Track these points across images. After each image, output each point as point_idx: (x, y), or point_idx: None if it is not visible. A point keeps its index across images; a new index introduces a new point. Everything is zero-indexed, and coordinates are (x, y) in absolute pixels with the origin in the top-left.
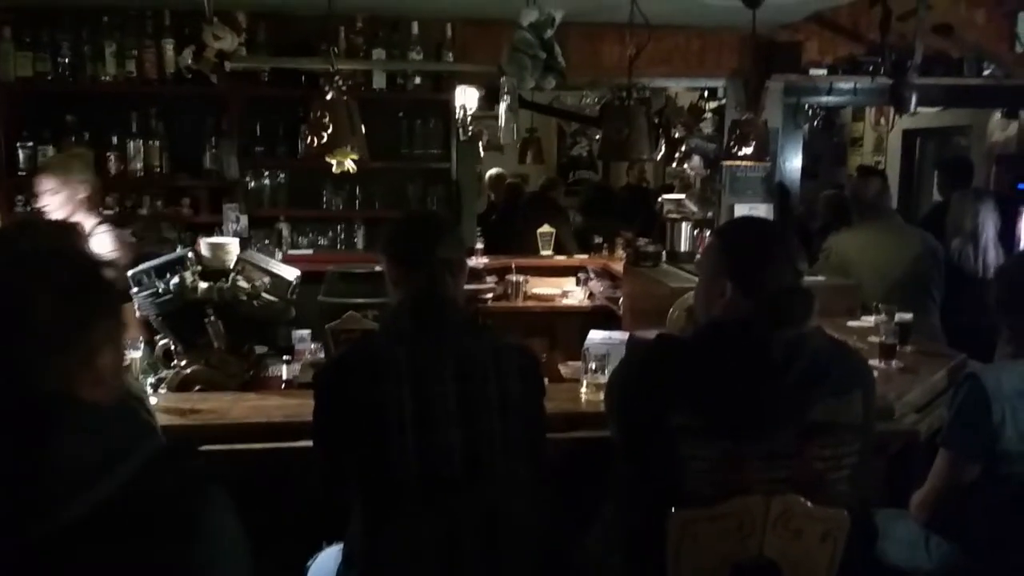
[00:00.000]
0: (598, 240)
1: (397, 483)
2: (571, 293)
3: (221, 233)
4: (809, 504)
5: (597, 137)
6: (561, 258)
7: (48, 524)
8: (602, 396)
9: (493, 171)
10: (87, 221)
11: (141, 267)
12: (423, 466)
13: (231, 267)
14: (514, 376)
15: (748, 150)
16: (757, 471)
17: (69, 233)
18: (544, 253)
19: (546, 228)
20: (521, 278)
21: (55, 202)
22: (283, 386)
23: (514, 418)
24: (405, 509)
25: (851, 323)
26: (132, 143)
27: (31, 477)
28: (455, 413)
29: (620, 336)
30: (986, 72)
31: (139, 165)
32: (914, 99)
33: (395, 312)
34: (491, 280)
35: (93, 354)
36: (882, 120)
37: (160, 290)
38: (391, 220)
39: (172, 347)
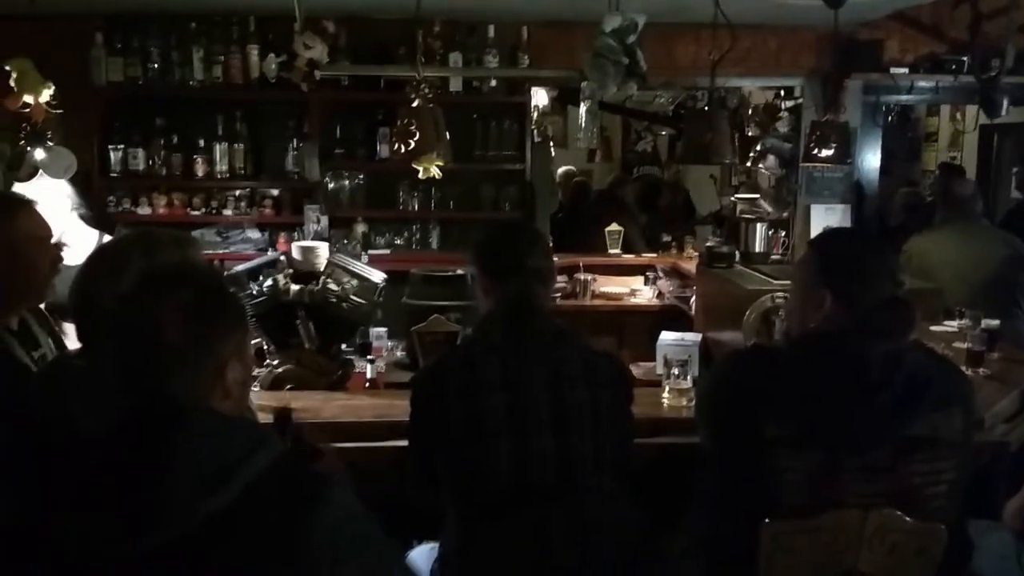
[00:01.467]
0: (667, 238)
1: (491, 489)
2: (639, 292)
3: (302, 233)
4: (906, 519)
5: (663, 132)
6: (629, 257)
7: (170, 530)
8: (684, 402)
9: (564, 168)
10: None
11: (236, 269)
12: (516, 474)
13: (321, 270)
14: (605, 386)
15: (829, 152)
16: (853, 485)
17: (186, 244)
18: (612, 251)
19: (614, 227)
20: (589, 277)
21: None
22: (367, 384)
23: (605, 427)
24: (499, 514)
25: (934, 328)
26: (218, 146)
27: (155, 485)
28: (548, 422)
29: (693, 338)
30: None
31: (224, 167)
32: (1006, 103)
33: (487, 322)
34: (560, 279)
35: (222, 368)
36: (958, 115)
37: (254, 292)
38: (478, 229)
39: (264, 347)
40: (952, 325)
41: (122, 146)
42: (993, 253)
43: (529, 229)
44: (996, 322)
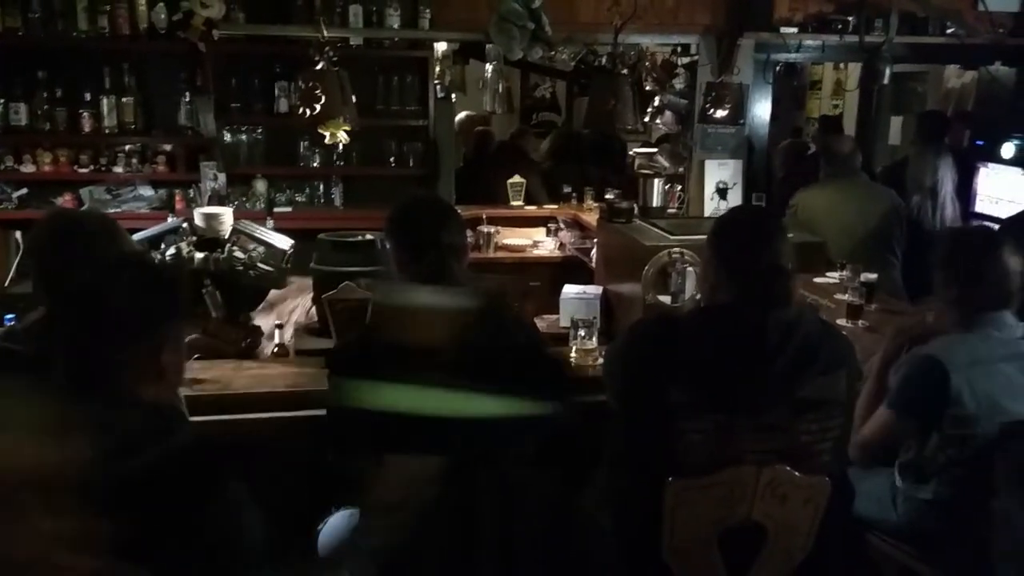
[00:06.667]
0: (567, 190)
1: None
2: (541, 244)
3: (199, 191)
4: (795, 473)
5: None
6: (531, 208)
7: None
8: (589, 361)
9: (464, 114)
10: None
11: (137, 237)
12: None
13: (225, 237)
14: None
15: (723, 113)
16: (749, 443)
17: (114, 228)
18: (514, 203)
19: (516, 178)
20: (492, 229)
21: None
22: (275, 350)
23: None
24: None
25: (818, 280)
26: (105, 100)
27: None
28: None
29: (594, 291)
30: (948, 31)
31: (112, 122)
32: (887, 71)
33: None
34: None
35: (159, 349)
36: (841, 65)
37: (157, 260)
38: (383, 186)
39: None
40: (834, 277)
41: (2, 100)
42: (875, 208)
43: (443, 204)
44: (874, 276)
